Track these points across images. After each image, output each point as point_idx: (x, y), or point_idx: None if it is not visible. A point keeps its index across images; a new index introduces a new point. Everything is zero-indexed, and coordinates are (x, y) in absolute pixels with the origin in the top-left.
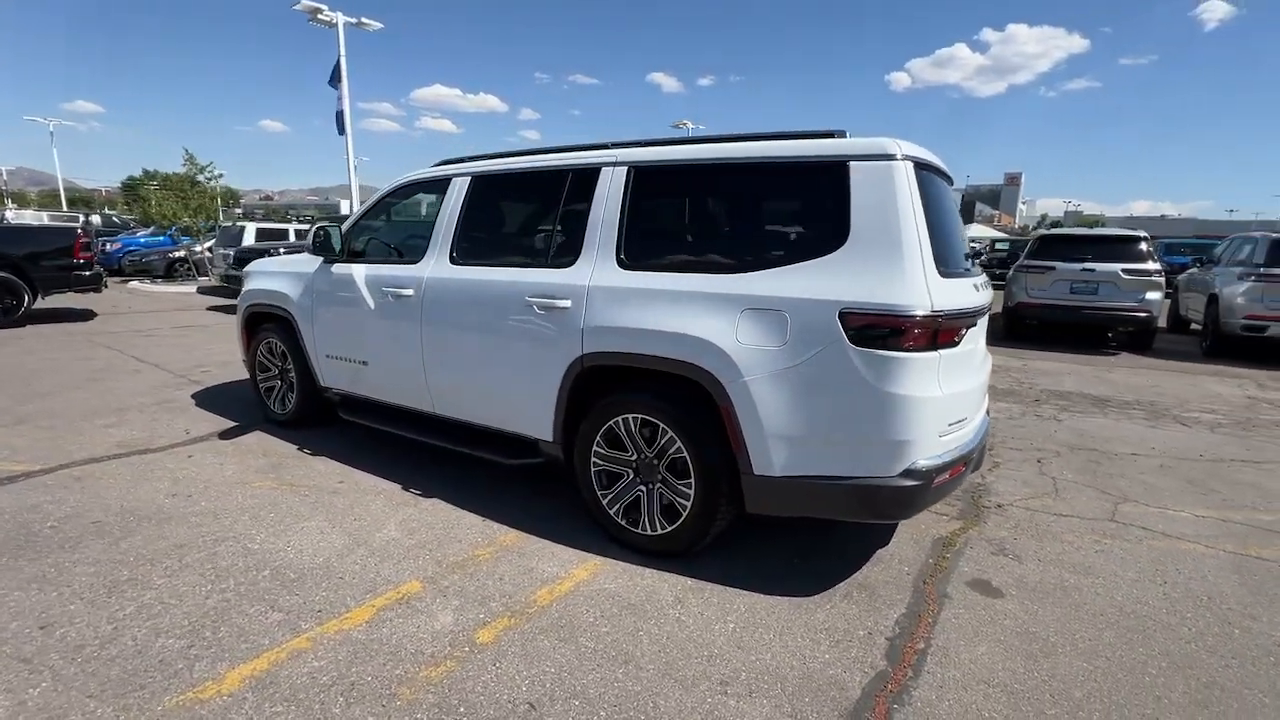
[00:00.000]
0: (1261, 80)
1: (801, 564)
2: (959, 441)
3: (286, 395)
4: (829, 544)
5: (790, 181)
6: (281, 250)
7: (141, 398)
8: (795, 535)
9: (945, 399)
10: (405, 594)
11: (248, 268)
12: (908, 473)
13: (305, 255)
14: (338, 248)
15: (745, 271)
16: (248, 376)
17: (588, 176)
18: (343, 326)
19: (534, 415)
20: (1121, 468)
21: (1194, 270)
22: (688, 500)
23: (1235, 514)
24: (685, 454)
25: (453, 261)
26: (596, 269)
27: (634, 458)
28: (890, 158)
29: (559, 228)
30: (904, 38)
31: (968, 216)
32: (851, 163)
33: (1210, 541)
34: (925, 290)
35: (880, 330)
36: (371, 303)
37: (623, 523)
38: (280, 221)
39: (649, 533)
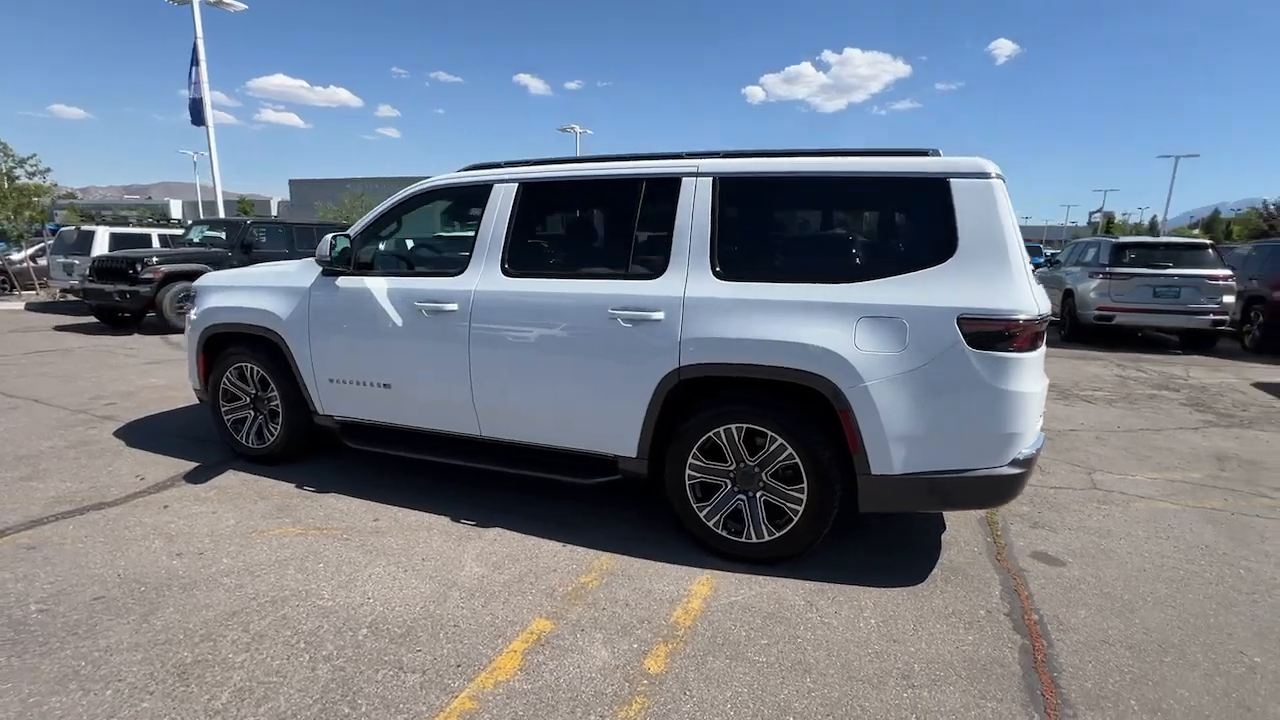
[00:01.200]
0: (1041, 105)
1: (887, 557)
2: (1039, 432)
3: (265, 427)
4: (895, 535)
5: (894, 196)
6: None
7: (46, 441)
8: (865, 532)
9: (1040, 394)
10: (540, 633)
11: (200, 282)
12: (1014, 462)
13: (291, 266)
14: (350, 259)
15: (856, 281)
16: (173, 408)
17: (666, 186)
18: (355, 347)
19: (615, 432)
20: (1071, 442)
21: (1044, 269)
22: (799, 505)
23: (1173, 474)
24: (797, 459)
25: (506, 273)
26: (690, 280)
27: (733, 467)
28: (988, 175)
29: (637, 238)
30: (757, 54)
31: None
32: (952, 180)
33: (1174, 499)
34: (1031, 296)
35: (995, 333)
36: (398, 319)
37: (723, 533)
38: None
39: (755, 540)
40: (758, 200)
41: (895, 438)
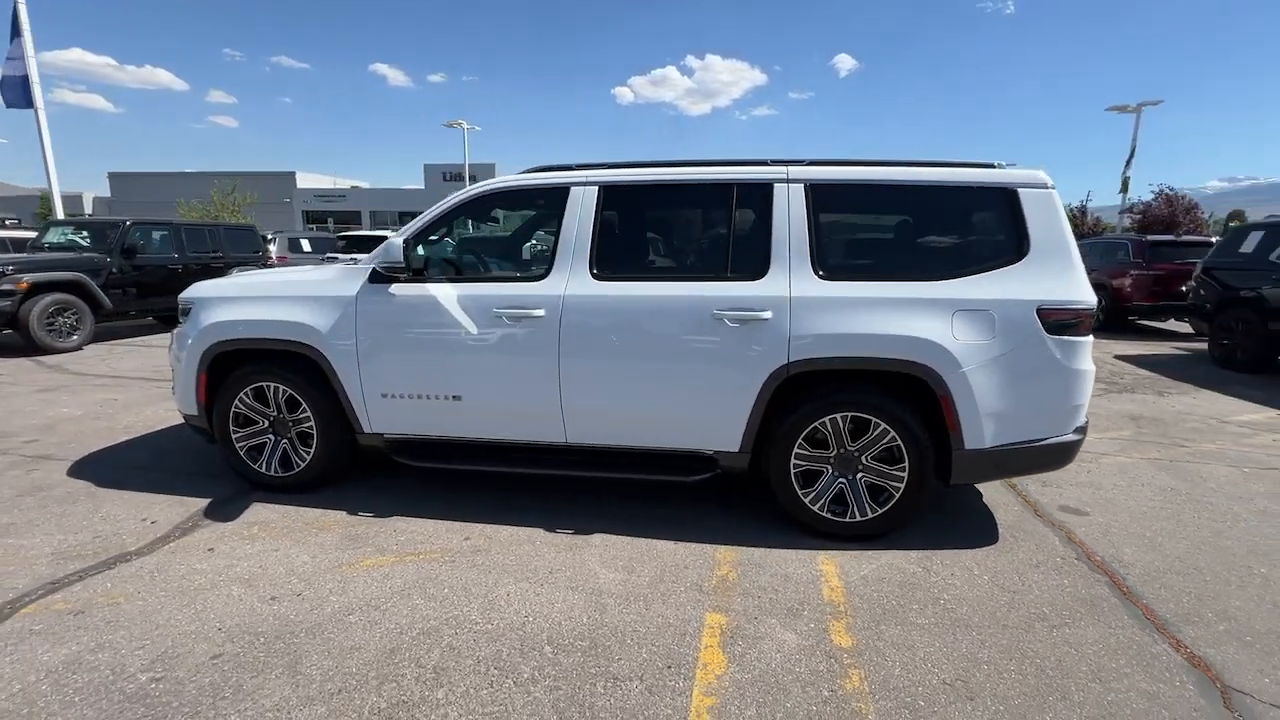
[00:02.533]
0: (877, 116)
1: (953, 522)
2: None
3: (295, 451)
4: (948, 504)
5: (972, 202)
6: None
7: None
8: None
9: (1093, 371)
10: (720, 626)
11: (194, 292)
12: (1077, 429)
13: (320, 272)
14: (408, 265)
15: (948, 279)
16: (120, 440)
17: (758, 192)
18: (417, 358)
19: (718, 429)
20: None
21: None
22: (900, 483)
23: (1109, 434)
24: (899, 441)
25: (596, 277)
26: (794, 280)
27: (834, 454)
28: (1048, 186)
29: (733, 241)
30: (624, 56)
31: None
32: (1020, 189)
33: (1126, 454)
34: (1089, 289)
35: (1066, 321)
36: (472, 327)
37: (827, 515)
38: None
39: (860, 519)
40: (850, 205)
41: (986, 416)
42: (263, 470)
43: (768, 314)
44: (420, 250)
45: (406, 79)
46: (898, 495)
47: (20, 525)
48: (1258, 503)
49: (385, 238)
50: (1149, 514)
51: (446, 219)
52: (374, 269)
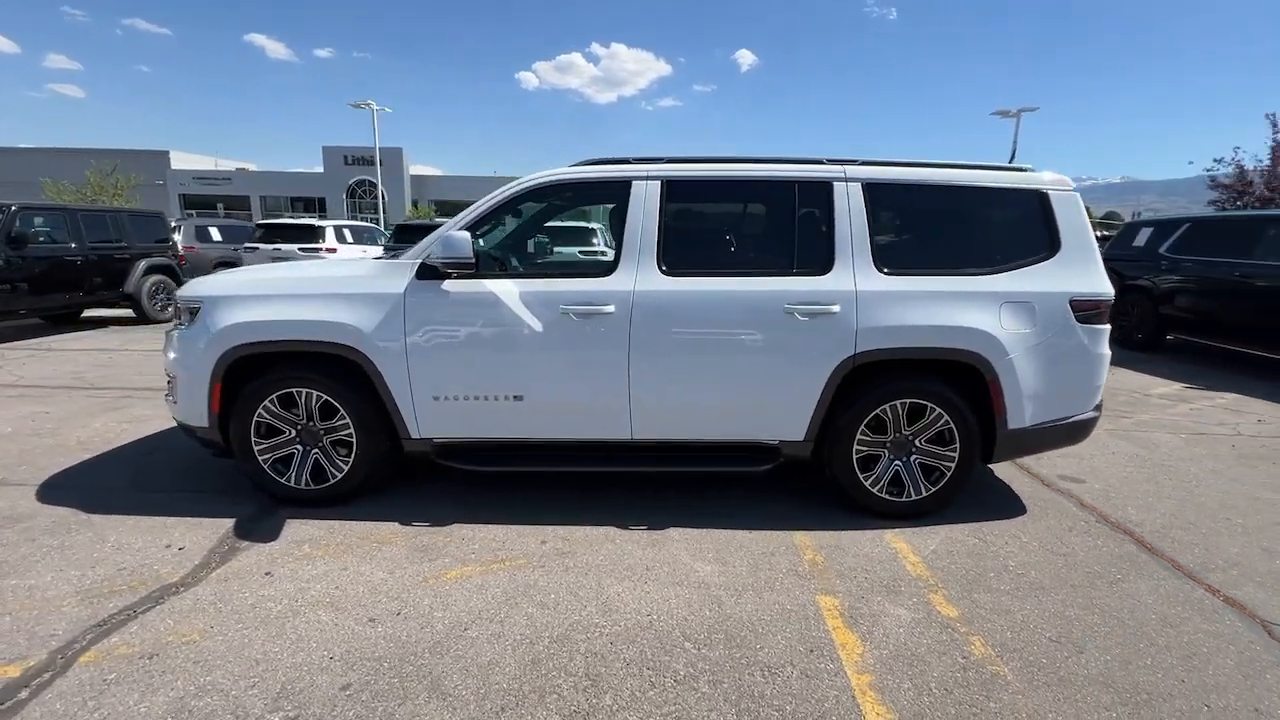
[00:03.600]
0: (778, 111)
1: (980, 497)
2: None
3: (330, 461)
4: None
5: (1009, 203)
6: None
7: None
8: None
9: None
10: (836, 608)
11: (203, 289)
12: (1096, 407)
13: (355, 267)
14: (474, 260)
15: (993, 273)
16: (80, 459)
17: (819, 189)
18: (475, 358)
19: (785, 418)
20: None
21: None
22: (952, 463)
23: None
24: (951, 424)
25: (664, 272)
26: (858, 274)
27: (890, 438)
28: (1071, 189)
29: (798, 237)
30: (527, 40)
31: None
32: (1051, 192)
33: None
34: (1108, 282)
35: (1093, 310)
36: (537, 324)
37: (886, 496)
38: None
39: (914, 498)
40: (901, 204)
41: (1027, 398)
42: (291, 484)
43: (836, 307)
44: (478, 244)
45: (289, 52)
46: (949, 474)
47: (16, 563)
48: (1205, 463)
49: (313, 226)
50: (1131, 479)
51: (499, 212)
52: (421, 264)
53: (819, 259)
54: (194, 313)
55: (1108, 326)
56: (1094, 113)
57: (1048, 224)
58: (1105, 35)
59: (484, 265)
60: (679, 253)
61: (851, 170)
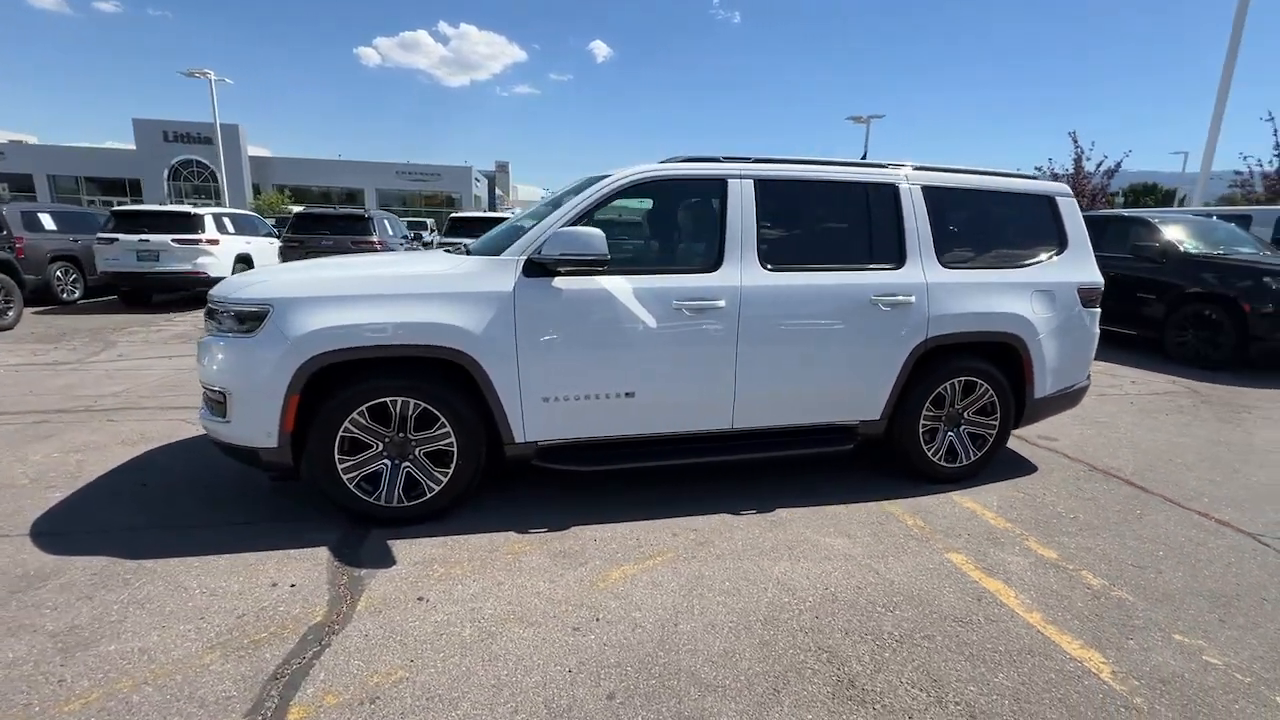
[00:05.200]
0: (634, 103)
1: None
2: None
3: (427, 475)
4: None
5: (1031, 205)
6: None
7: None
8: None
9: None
10: (968, 563)
11: (273, 293)
12: (1088, 377)
13: (450, 264)
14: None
15: (1023, 267)
16: (69, 490)
17: (888, 191)
18: (589, 356)
19: (865, 400)
20: None
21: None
22: (993, 431)
23: None
24: (994, 397)
25: (765, 267)
26: (926, 269)
27: (946, 412)
28: (1070, 195)
29: (873, 234)
30: (368, 11)
31: (492, 201)
32: (1057, 197)
33: None
34: (1099, 273)
35: (1092, 296)
36: (651, 320)
37: (943, 464)
38: None
39: (964, 463)
40: (951, 205)
41: (1049, 370)
42: (381, 502)
43: (912, 298)
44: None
45: (59, 3)
46: (991, 441)
47: (95, 626)
48: (1125, 418)
49: (189, 214)
50: (1085, 435)
51: (599, 207)
52: (528, 260)
53: (893, 254)
54: (259, 318)
55: (1099, 310)
56: (938, 113)
57: (1057, 224)
58: (939, 38)
59: (617, 261)
60: (773, 248)
61: (911, 174)
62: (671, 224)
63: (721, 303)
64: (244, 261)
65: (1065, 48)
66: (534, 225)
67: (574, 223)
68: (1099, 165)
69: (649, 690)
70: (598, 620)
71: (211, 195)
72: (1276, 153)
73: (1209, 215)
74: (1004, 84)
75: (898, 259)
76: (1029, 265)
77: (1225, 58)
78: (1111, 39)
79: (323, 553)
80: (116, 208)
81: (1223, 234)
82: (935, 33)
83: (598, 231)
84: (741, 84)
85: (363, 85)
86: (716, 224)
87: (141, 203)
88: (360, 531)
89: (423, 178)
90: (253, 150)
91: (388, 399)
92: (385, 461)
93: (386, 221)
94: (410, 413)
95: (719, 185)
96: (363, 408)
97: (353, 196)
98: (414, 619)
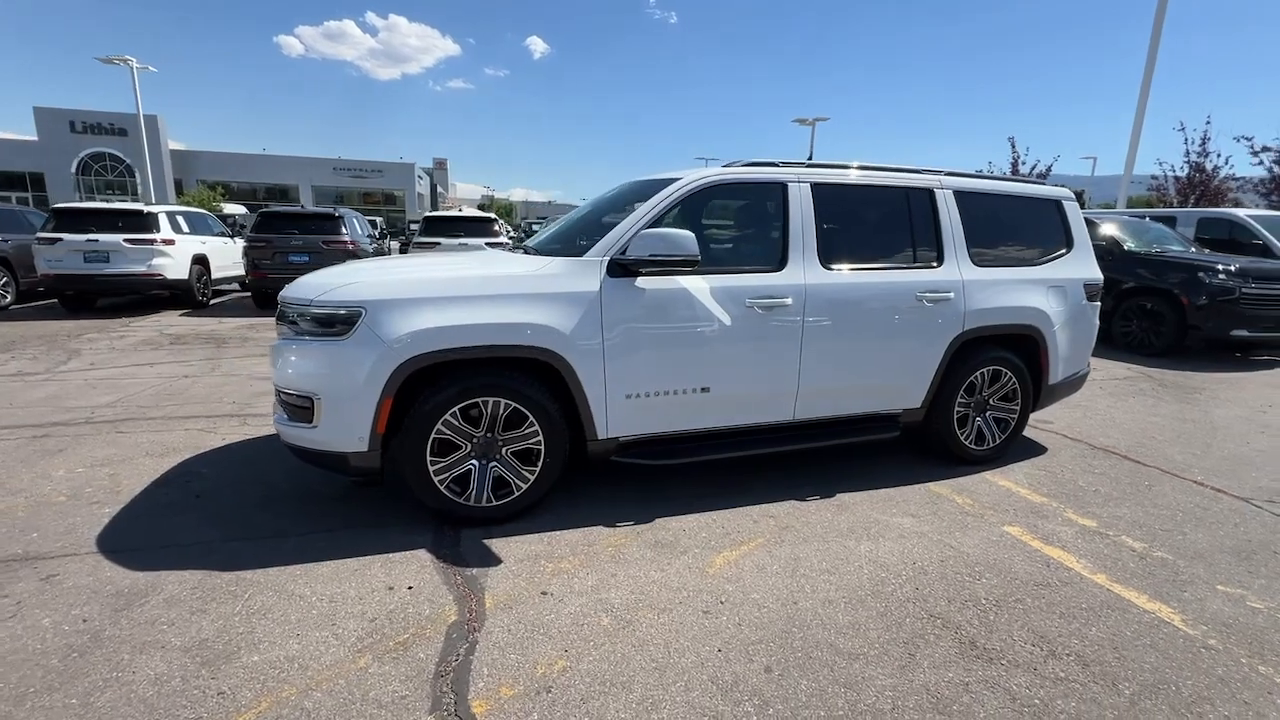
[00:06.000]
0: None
1: (1007, 456)
2: None
3: (515, 473)
4: None
5: (1043, 208)
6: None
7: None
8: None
9: None
10: (1026, 534)
11: (365, 295)
12: (1089, 365)
13: (537, 264)
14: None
15: (1039, 265)
16: (115, 509)
17: (926, 195)
18: (670, 354)
19: (911, 389)
20: None
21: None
22: (1015, 415)
23: None
24: (1016, 384)
25: (824, 266)
26: (961, 267)
27: (975, 399)
28: (1073, 199)
29: (914, 235)
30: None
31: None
32: (1063, 200)
33: None
34: (1099, 270)
35: (1094, 291)
36: (726, 318)
37: (974, 447)
38: None
39: (991, 446)
40: (977, 207)
41: (1060, 358)
42: (471, 502)
43: (951, 294)
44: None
45: None
46: (1013, 425)
47: (224, 639)
48: (1100, 401)
49: (141, 212)
50: (1073, 416)
51: (673, 208)
52: (611, 261)
53: (932, 254)
54: (351, 321)
55: (1099, 303)
56: (877, 116)
57: (1064, 225)
58: (876, 41)
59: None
60: (829, 248)
61: (945, 180)
62: (738, 225)
63: (788, 300)
64: (201, 263)
65: (988, 50)
66: (578, 226)
67: (651, 225)
68: (1033, 169)
69: (799, 662)
70: (722, 603)
71: (127, 191)
72: (1186, 160)
73: (1142, 216)
74: (942, 85)
75: (937, 258)
76: (1043, 263)
77: (1144, 68)
78: (1031, 43)
79: (423, 555)
80: (58, 205)
81: (1155, 233)
82: (872, 36)
83: (688, 233)
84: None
85: (285, 76)
86: (780, 226)
87: (47, 200)
88: (450, 532)
89: (361, 174)
90: (172, 144)
91: (479, 399)
92: (473, 462)
93: (355, 220)
94: (501, 413)
95: (780, 189)
96: (455, 409)
97: (285, 193)
98: (547, 612)
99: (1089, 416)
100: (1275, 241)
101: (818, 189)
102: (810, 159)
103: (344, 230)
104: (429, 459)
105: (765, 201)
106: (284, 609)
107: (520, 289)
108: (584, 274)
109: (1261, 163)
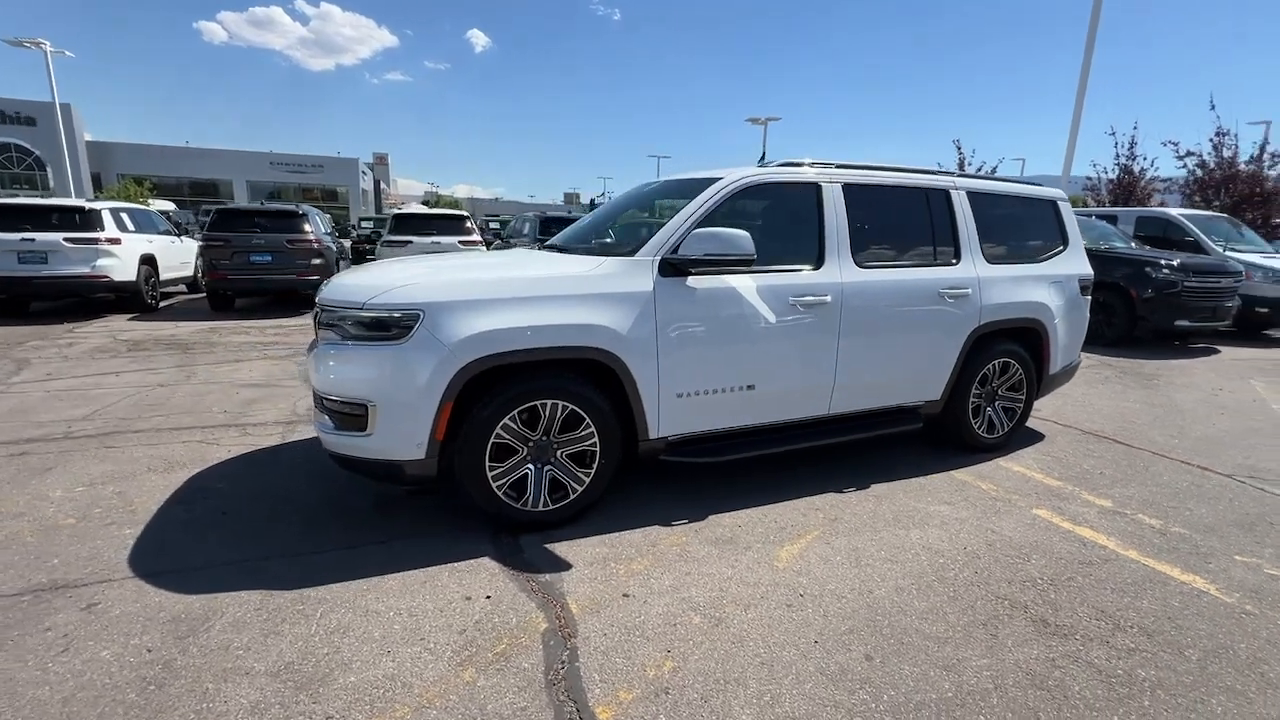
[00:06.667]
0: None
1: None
2: None
3: (571, 476)
4: None
5: (1043, 208)
6: None
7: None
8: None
9: None
10: (1055, 516)
11: (423, 297)
12: (1080, 355)
13: (585, 266)
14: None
15: (1040, 261)
16: (136, 529)
17: (943, 195)
18: (718, 352)
19: (932, 382)
20: None
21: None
22: (1020, 404)
23: None
24: (1023, 375)
25: (857, 265)
26: (977, 265)
27: (986, 390)
28: (1066, 199)
29: (934, 234)
30: None
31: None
32: (1058, 201)
33: None
34: (1090, 266)
35: (1086, 285)
36: (771, 316)
37: (984, 435)
38: None
39: (999, 434)
40: (987, 207)
41: (1060, 348)
42: (528, 507)
43: (969, 290)
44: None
45: None
46: (1019, 413)
47: (311, 661)
48: (1076, 388)
49: (84, 209)
50: (1056, 403)
51: (719, 208)
52: (663, 260)
53: (950, 252)
54: (409, 324)
55: (1090, 298)
56: (822, 114)
57: (1060, 224)
58: (822, 40)
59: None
60: (862, 246)
61: (958, 181)
62: (776, 225)
63: (828, 298)
64: (149, 263)
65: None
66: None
67: (700, 224)
68: (979, 170)
69: (894, 649)
70: (802, 596)
71: (37, 186)
72: (1117, 163)
73: (1089, 215)
74: (891, 86)
75: (954, 255)
76: (1044, 260)
77: (1080, 73)
78: (971, 47)
79: (488, 563)
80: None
81: (1100, 231)
82: (822, 37)
83: (744, 233)
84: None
85: (208, 66)
86: (816, 225)
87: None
88: (509, 538)
89: (301, 169)
90: (87, 135)
91: (538, 402)
92: (529, 466)
93: (317, 218)
94: (559, 415)
95: (815, 189)
96: (514, 412)
97: (216, 189)
98: (635, 614)
99: (1070, 404)
100: (1205, 238)
101: (848, 189)
102: (763, 159)
103: (308, 228)
104: (488, 464)
105: (802, 201)
106: (364, 626)
107: (578, 290)
108: (637, 274)
109: (1185, 166)
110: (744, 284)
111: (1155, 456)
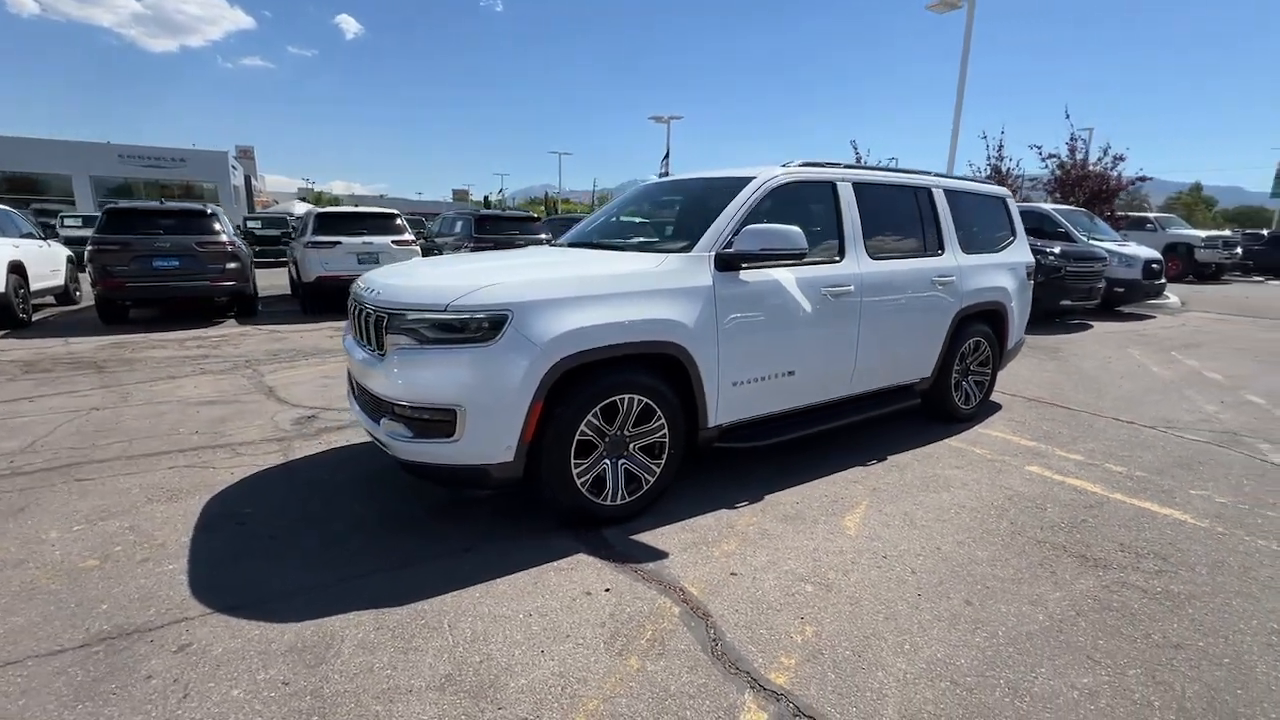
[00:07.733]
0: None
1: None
2: None
3: (644, 469)
4: None
5: (995, 204)
6: None
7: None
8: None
9: None
10: (1045, 471)
11: (511, 294)
12: (1024, 333)
13: (645, 263)
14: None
15: (998, 251)
16: (178, 558)
17: (929, 193)
18: (766, 341)
19: (923, 362)
20: None
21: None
22: (988, 377)
23: None
24: (990, 351)
25: (870, 257)
26: (957, 255)
27: (962, 366)
28: (1011, 196)
29: (923, 228)
30: None
31: (249, 194)
32: (1006, 198)
33: None
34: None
35: (1030, 271)
36: (808, 306)
37: (963, 406)
38: None
39: (974, 404)
40: (958, 203)
41: (1015, 327)
42: (608, 502)
43: (954, 278)
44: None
45: None
46: (987, 385)
47: (467, 672)
48: (1030, 361)
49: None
50: (1013, 375)
51: (760, 205)
52: (717, 255)
53: (936, 244)
54: (497, 324)
55: (1034, 282)
56: (718, 114)
57: (1009, 218)
58: (717, 40)
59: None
60: (872, 240)
61: (938, 181)
62: (804, 220)
63: (851, 288)
64: (18, 272)
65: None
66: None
67: (746, 221)
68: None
69: (984, 593)
70: (886, 558)
71: None
72: (988, 163)
73: None
74: (783, 85)
75: (940, 247)
76: (1001, 249)
77: (958, 78)
78: (859, 49)
79: (585, 558)
80: None
81: None
82: (711, 36)
83: (795, 228)
84: (514, 75)
85: (16, 41)
86: (835, 221)
87: None
88: (590, 533)
89: (159, 163)
90: None
91: (617, 397)
92: (606, 461)
93: (226, 218)
94: (634, 409)
95: (831, 187)
96: (596, 410)
97: (42, 185)
98: (753, 589)
99: (1003, 376)
100: (1074, 229)
101: (857, 187)
102: (666, 157)
103: (219, 228)
104: (573, 461)
105: (822, 199)
106: (502, 631)
107: (647, 286)
108: (696, 269)
109: (1046, 166)
110: (785, 277)
111: (1093, 416)
